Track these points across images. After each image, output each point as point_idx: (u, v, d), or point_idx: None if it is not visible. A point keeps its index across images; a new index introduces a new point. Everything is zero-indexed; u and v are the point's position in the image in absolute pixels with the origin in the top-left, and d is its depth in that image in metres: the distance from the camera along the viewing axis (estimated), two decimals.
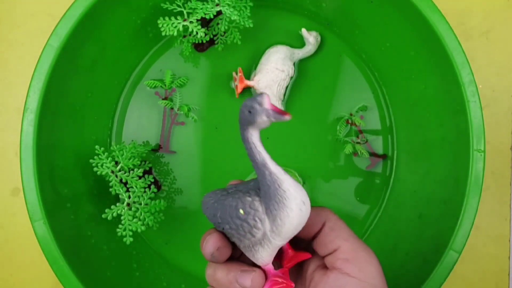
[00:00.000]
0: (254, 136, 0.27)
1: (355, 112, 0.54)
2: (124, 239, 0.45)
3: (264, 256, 0.28)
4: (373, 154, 0.54)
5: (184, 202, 0.54)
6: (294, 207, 0.26)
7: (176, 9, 0.47)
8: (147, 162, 0.52)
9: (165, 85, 0.53)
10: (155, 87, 0.54)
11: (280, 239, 0.27)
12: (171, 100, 0.54)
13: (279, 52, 0.52)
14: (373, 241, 0.53)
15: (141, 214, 0.46)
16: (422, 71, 0.49)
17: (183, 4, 0.47)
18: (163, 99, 0.53)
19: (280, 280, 0.29)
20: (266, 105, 0.25)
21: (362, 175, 0.54)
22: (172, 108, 0.54)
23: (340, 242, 0.28)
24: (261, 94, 0.26)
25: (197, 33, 0.47)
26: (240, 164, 0.53)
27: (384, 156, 0.54)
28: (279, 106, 0.53)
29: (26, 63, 0.55)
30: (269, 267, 0.29)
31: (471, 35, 0.57)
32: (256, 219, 0.27)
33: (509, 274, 0.55)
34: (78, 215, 0.47)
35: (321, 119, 0.55)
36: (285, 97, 0.54)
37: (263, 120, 0.26)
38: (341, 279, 0.27)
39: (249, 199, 0.27)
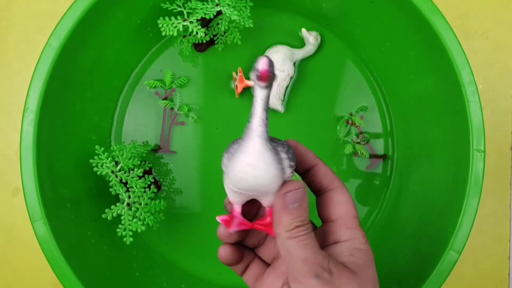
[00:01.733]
0: (257, 90, 0.27)
1: (355, 112, 0.54)
2: (124, 239, 0.45)
3: (227, 191, 0.31)
4: (373, 155, 0.54)
5: (184, 202, 0.54)
6: (238, 163, 0.28)
7: (176, 9, 0.47)
8: (147, 162, 0.52)
9: (165, 85, 0.53)
10: (155, 87, 0.54)
11: (230, 184, 0.29)
12: (171, 100, 0.54)
13: (279, 52, 0.52)
14: (373, 241, 0.53)
15: (141, 214, 0.46)
16: (422, 71, 0.49)
17: (183, 4, 0.47)
18: (163, 99, 0.53)
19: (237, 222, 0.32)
20: (258, 65, 0.26)
21: (362, 176, 0.54)
22: (172, 108, 0.54)
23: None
24: (264, 56, 0.26)
25: (197, 33, 0.47)
26: None
27: (384, 156, 0.54)
28: (279, 106, 0.53)
29: (26, 63, 0.55)
30: (236, 208, 0.32)
31: (471, 35, 0.57)
32: (226, 155, 0.30)
33: (509, 274, 0.55)
34: (78, 215, 0.47)
35: (321, 119, 0.55)
36: (285, 97, 0.54)
37: (253, 78, 0.27)
38: (272, 273, 0.34)
39: (236, 140, 0.30)
